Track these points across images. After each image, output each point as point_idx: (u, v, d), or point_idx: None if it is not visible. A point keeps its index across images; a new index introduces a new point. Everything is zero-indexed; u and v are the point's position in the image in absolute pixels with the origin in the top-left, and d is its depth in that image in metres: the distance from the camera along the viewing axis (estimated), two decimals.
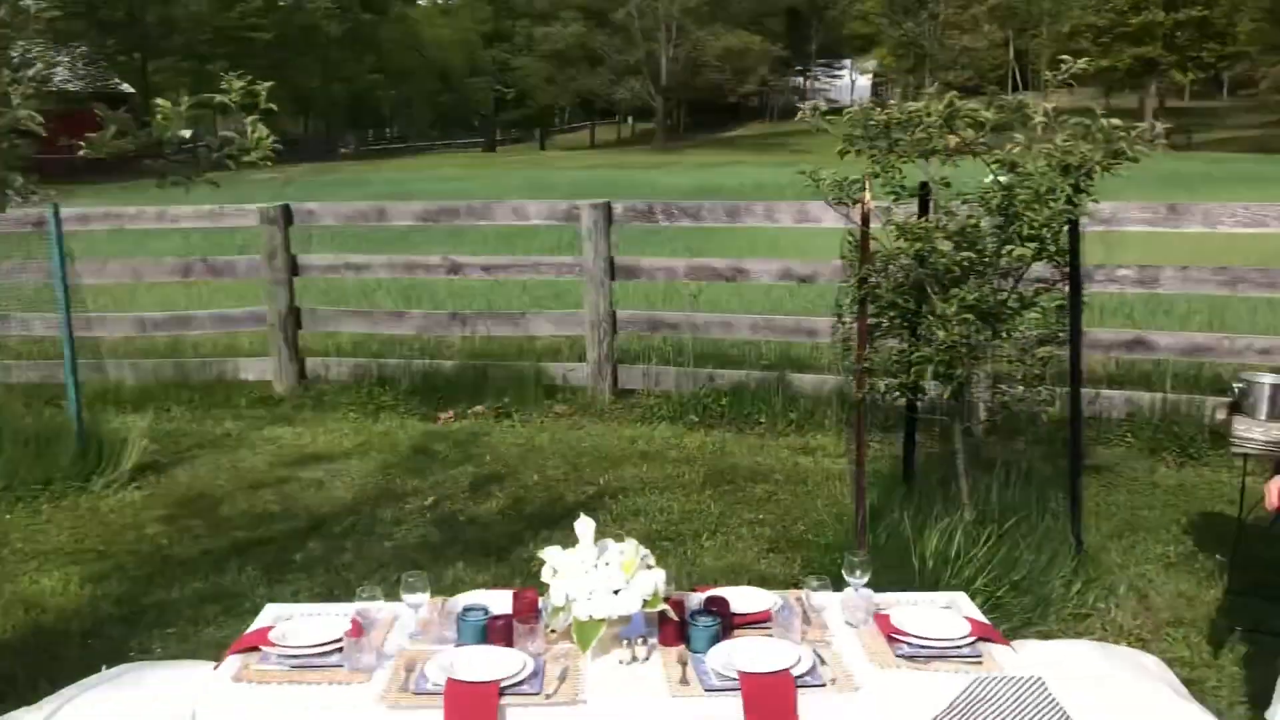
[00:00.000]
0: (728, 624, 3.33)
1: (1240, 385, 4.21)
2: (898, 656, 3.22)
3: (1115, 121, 3.93)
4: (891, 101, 4.55)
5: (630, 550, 3.21)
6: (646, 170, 34.72)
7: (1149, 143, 3.95)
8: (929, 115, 4.05)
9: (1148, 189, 22.08)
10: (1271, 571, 4.74)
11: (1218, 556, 4.85)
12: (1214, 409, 4.95)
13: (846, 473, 5.70)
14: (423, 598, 3.36)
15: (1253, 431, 4.07)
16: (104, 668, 3.73)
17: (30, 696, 3.60)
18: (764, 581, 4.52)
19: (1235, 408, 4.21)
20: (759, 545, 5.15)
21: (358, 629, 3.19)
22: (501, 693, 2.96)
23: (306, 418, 7.57)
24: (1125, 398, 6.72)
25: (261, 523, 5.47)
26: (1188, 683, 3.77)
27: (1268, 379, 4.16)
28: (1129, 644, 4.05)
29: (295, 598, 4.49)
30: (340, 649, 3.20)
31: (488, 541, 5.18)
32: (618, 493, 5.82)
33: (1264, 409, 4.13)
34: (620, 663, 3.17)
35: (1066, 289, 4.55)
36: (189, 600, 4.49)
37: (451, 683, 2.95)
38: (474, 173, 34.90)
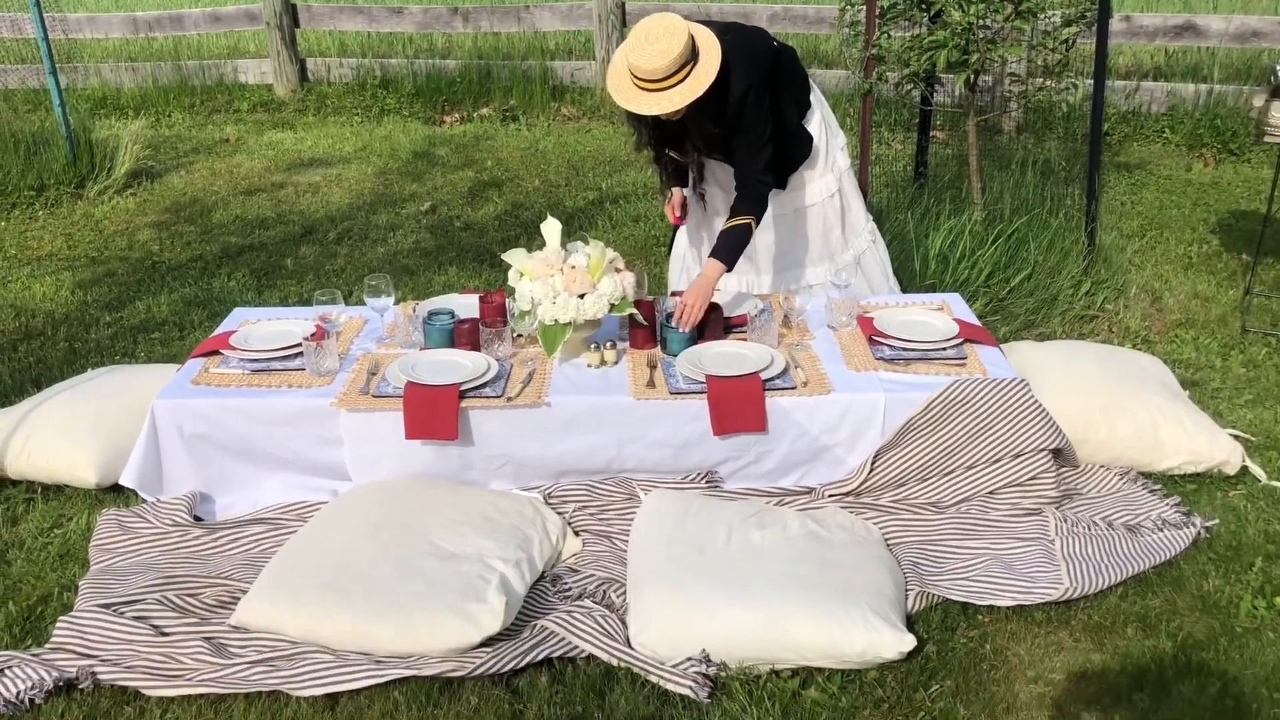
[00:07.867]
0: (703, 327, 3.21)
1: None
2: (877, 359, 3.10)
3: None
4: None
5: (597, 252, 3.05)
6: None
7: None
8: None
9: None
10: None
11: (1244, 256, 4.61)
12: (1249, 97, 4.54)
13: None
14: (386, 302, 3.25)
15: None
16: (89, 370, 3.75)
17: (15, 399, 3.62)
18: None
19: (1277, 93, 3.83)
20: None
21: (320, 333, 3.10)
22: (462, 395, 2.89)
23: (309, 121, 7.34)
24: (1168, 90, 6.26)
25: (254, 229, 5.35)
26: (1189, 384, 3.66)
27: None
28: (1133, 346, 3.90)
29: (285, 304, 4.42)
30: (302, 353, 3.13)
31: (482, 247, 5.04)
32: (619, 198, 5.60)
33: None
34: (589, 366, 3.08)
35: None
36: (175, 306, 4.44)
37: (411, 385, 2.88)
38: None
